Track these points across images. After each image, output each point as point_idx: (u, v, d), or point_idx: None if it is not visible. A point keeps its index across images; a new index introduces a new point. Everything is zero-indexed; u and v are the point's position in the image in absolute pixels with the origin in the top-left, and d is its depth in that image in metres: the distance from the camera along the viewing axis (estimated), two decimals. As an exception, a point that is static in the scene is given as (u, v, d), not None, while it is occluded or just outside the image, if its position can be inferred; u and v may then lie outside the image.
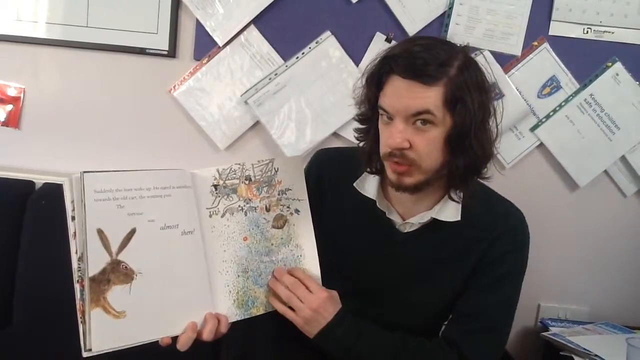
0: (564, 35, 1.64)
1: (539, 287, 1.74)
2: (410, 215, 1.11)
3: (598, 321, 1.71)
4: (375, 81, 1.01)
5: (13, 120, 1.71)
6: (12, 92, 1.69)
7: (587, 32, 1.64)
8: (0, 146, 1.72)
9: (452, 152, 0.99)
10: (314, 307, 1.02)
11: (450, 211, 1.08)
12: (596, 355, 1.40)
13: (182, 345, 0.94)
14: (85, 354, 0.87)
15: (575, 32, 1.64)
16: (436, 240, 1.11)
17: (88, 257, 0.88)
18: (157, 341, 0.93)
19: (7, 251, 1.54)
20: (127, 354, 0.89)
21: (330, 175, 1.19)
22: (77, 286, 0.89)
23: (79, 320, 0.88)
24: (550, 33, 1.64)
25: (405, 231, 1.12)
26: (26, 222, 1.55)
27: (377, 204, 1.11)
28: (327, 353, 1.06)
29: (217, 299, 1.01)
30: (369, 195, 1.11)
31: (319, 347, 1.06)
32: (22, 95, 1.70)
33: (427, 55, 0.95)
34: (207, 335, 0.96)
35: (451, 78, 0.95)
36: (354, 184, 1.13)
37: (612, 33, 1.63)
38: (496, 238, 1.10)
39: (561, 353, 1.50)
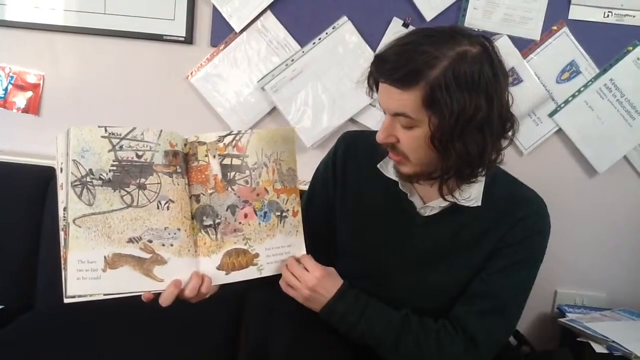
0: (584, 19, 1.62)
1: (556, 274, 1.74)
2: (431, 199, 1.11)
3: (615, 307, 1.71)
4: (370, 80, 1.03)
5: (33, 107, 1.73)
6: (31, 79, 1.71)
7: (608, 15, 1.61)
8: (20, 133, 1.74)
9: (438, 152, 0.98)
10: (311, 285, 1.05)
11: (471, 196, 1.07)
12: (613, 342, 1.40)
13: (165, 300, 0.94)
14: (65, 300, 0.87)
15: (596, 16, 1.61)
16: (456, 224, 1.11)
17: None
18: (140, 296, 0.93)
19: (28, 237, 1.57)
20: (148, 328, 0.86)
21: (355, 157, 1.20)
22: (61, 234, 0.90)
23: (62, 267, 0.88)
24: (570, 17, 1.62)
25: (426, 215, 1.12)
26: (47, 208, 1.57)
27: (400, 185, 1.11)
28: (336, 329, 1.08)
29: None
30: (391, 177, 1.12)
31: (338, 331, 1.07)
32: (41, 82, 1.71)
33: (405, 58, 0.94)
34: (189, 292, 0.96)
35: (430, 80, 0.92)
36: (378, 165, 1.13)
37: (633, 17, 1.61)
38: (515, 223, 1.09)
39: (578, 339, 1.50)
